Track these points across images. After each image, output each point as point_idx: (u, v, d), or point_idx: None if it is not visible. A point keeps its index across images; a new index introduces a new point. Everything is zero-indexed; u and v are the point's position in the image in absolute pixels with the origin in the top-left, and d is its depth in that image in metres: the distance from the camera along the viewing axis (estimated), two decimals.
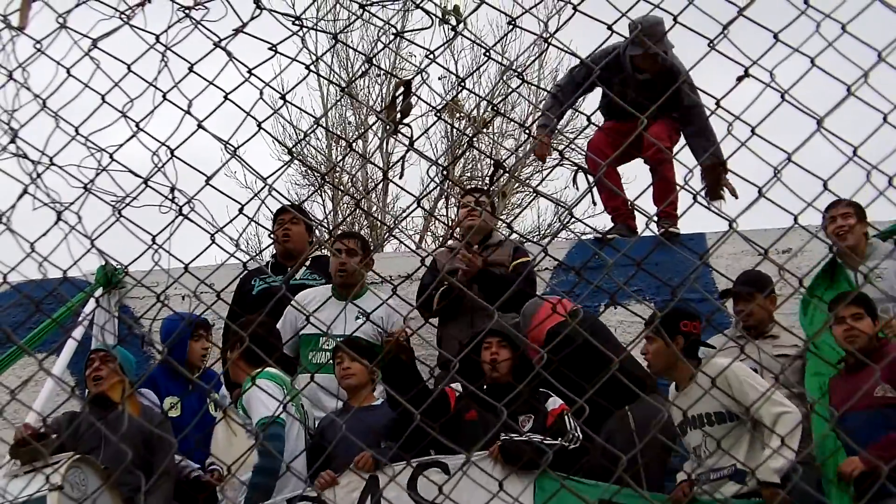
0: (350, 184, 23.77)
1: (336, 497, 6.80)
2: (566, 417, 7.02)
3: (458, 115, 22.38)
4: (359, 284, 8.58)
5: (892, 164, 3.06)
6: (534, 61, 22.10)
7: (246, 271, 9.30)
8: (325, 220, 23.20)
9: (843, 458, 6.93)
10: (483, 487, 3.53)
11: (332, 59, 23.41)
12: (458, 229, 9.76)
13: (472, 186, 9.93)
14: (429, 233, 23.49)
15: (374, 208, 23.44)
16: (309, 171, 23.30)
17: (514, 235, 10.65)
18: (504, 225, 12.27)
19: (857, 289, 7.71)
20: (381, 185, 23.27)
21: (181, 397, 8.30)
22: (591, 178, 9.94)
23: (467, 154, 23.45)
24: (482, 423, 7.01)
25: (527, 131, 21.47)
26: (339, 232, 9.36)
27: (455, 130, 22.60)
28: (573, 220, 8.07)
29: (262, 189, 3.49)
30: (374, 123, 22.90)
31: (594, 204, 11.44)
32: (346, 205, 23.38)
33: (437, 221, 22.24)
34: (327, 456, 7.00)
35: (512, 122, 23.38)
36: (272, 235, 9.81)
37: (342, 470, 6.94)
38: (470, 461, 6.48)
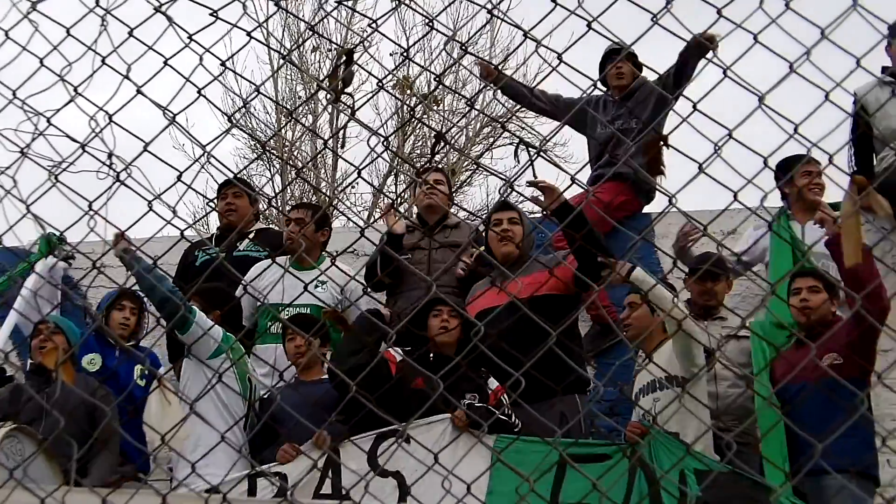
0: (296, 155, 23.64)
1: (292, 473, 6.82)
2: (504, 400, 7.07)
3: (408, 91, 22.32)
4: (314, 254, 8.70)
5: (832, 142, 3.06)
6: (478, 32, 22.09)
7: (189, 243, 9.29)
8: (274, 195, 23.13)
9: (782, 434, 6.99)
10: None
11: (284, 34, 23.31)
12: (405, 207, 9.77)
13: (429, 165, 9.91)
14: (377, 209, 23.42)
15: (323, 184, 23.35)
16: (252, 142, 23.15)
17: (461, 213, 10.62)
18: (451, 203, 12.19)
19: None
20: (327, 159, 23.19)
21: (102, 355, 8.33)
22: (531, 152, 9.96)
23: (417, 131, 23.44)
24: (430, 389, 7.02)
25: (469, 103, 21.42)
26: (295, 203, 9.38)
27: (402, 104, 22.54)
28: (512, 193, 8.00)
29: (201, 156, 3.47)
30: (314, 93, 22.80)
31: (535, 177, 11.44)
32: (292, 176, 23.24)
33: (385, 197, 22.15)
34: (274, 430, 7.05)
35: (462, 99, 23.33)
36: (215, 208, 9.79)
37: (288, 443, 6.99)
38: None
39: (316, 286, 8.32)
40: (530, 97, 10.50)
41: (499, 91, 11.42)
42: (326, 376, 7.68)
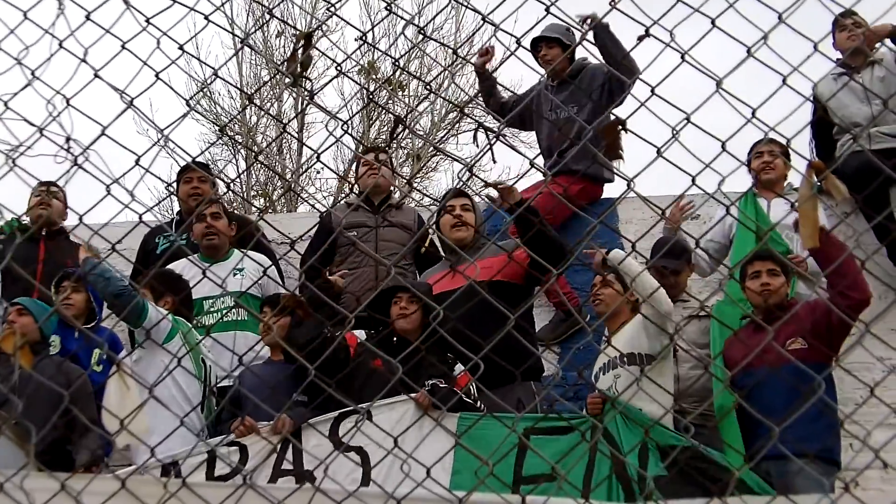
0: (261, 139, 23.54)
1: (254, 450, 6.83)
2: (471, 387, 7.09)
3: (372, 75, 22.27)
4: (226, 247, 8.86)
5: (789, 126, 3.08)
6: (439, 13, 22.08)
7: (149, 229, 9.23)
8: (233, 179, 23.04)
9: (732, 417, 7.06)
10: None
11: (248, 17, 23.19)
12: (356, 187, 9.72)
13: (374, 145, 9.86)
14: (343, 194, 23.35)
15: (288, 168, 23.29)
16: (214, 126, 23.01)
17: (425, 200, 10.62)
18: (405, 184, 12.18)
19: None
20: (292, 143, 23.14)
21: (62, 337, 8.28)
22: (490, 136, 9.99)
23: (382, 116, 23.38)
24: (389, 373, 7.02)
25: (429, 88, 21.39)
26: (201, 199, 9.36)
27: (362, 89, 22.52)
28: (473, 177, 8.04)
29: (159, 140, 3.45)
30: (272, 77, 22.71)
31: (494, 162, 11.49)
32: (251, 161, 23.17)
33: (348, 183, 22.13)
34: (240, 407, 7.08)
35: (424, 85, 23.28)
36: (174, 193, 9.76)
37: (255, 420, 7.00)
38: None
39: (235, 275, 8.43)
40: (495, 96, 10.49)
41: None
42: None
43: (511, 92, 10.60)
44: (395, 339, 7.50)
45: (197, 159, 9.34)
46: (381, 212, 9.07)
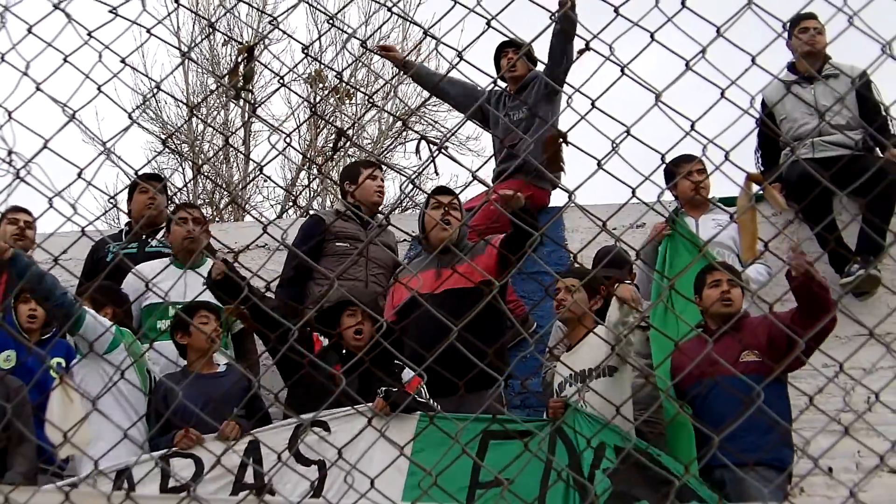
0: (207, 149, 23.41)
1: (209, 462, 6.79)
2: (423, 390, 7.11)
3: (319, 85, 22.22)
4: (197, 253, 8.63)
5: (728, 139, 3.12)
6: (379, 28, 22.03)
7: (93, 241, 9.19)
8: (178, 189, 22.94)
9: (688, 426, 7.08)
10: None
11: (194, 26, 23.07)
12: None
13: (366, 159, 9.93)
14: (289, 203, 23.26)
15: (236, 177, 23.21)
16: (161, 136, 22.87)
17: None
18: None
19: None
20: (237, 155, 23.07)
21: (17, 351, 8.14)
22: (433, 148, 10.05)
23: (330, 128, 23.33)
24: (335, 385, 7.03)
25: (371, 101, 21.39)
26: (181, 202, 9.33)
27: (304, 101, 22.47)
28: (415, 189, 8.06)
29: (102, 153, 3.45)
30: (214, 90, 22.63)
31: (437, 175, 11.55)
32: (197, 173, 23.05)
33: (295, 192, 22.09)
34: (168, 421, 7.01)
35: (373, 93, 23.24)
36: (116, 205, 9.77)
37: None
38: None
39: (203, 284, 8.33)
40: (439, 86, 10.59)
41: (409, 81, 11.52)
42: (221, 368, 7.71)
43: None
44: (343, 351, 7.52)
45: (149, 171, 9.27)
46: (370, 227, 9.12)
